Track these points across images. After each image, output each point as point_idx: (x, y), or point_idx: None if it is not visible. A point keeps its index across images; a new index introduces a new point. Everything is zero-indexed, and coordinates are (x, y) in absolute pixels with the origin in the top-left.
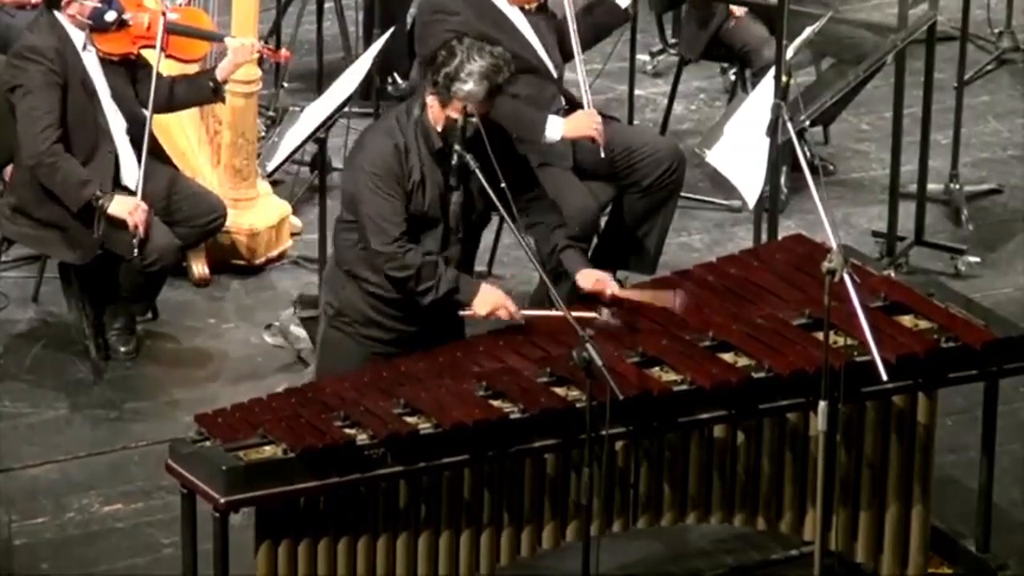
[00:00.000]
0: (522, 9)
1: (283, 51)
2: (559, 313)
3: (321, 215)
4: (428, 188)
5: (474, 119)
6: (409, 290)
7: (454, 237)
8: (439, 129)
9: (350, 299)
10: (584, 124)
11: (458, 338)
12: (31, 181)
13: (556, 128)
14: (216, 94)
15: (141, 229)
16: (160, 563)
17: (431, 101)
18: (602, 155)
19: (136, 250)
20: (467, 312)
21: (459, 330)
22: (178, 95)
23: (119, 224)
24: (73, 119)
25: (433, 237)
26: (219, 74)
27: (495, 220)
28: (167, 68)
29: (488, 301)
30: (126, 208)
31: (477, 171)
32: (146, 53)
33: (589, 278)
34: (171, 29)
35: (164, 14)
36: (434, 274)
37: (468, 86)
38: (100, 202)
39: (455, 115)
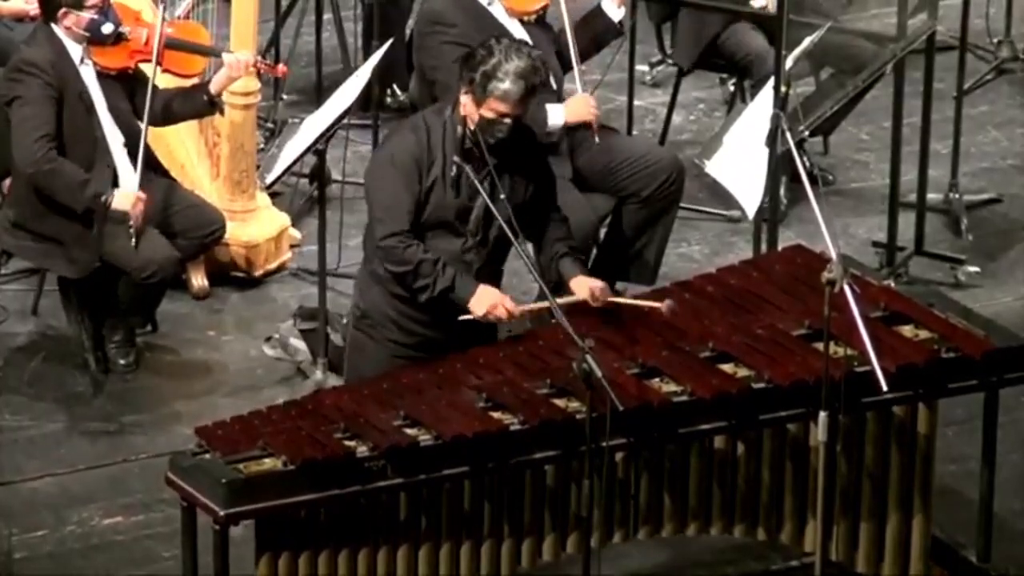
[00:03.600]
0: (521, 21)
1: (280, 66)
2: (553, 305)
3: (320, 227)
4: (453, 188)
5: (506, 122)
6: (407, 286)
7: (472, 240)
8: (471, 128)
9: (375, 301)
10: (582, 108)
11: (489, 342)
12: (30, 194)
13: (557, 115)
14: (212, 106)
15: (139, 222)
16: None
17: (465, 100)
18: (597, 140)
19: (133, 241)
20: (466, 316)
21: (491, 337)
22: (174, 108)
23: (119, 218)
24: (71, 133)
25: (457, 236)
26: (213, 87)
27: None
28: (165, 82)
29: (484, 301)
30: (128, 202)
31: (477, 182)
32: (144, 67)
33: (583, 286)
34: (169, 44)
35: (163, 28)
36: (432, 271)
37: (505, 84)
38: (104, 199)
39: (489, 114)
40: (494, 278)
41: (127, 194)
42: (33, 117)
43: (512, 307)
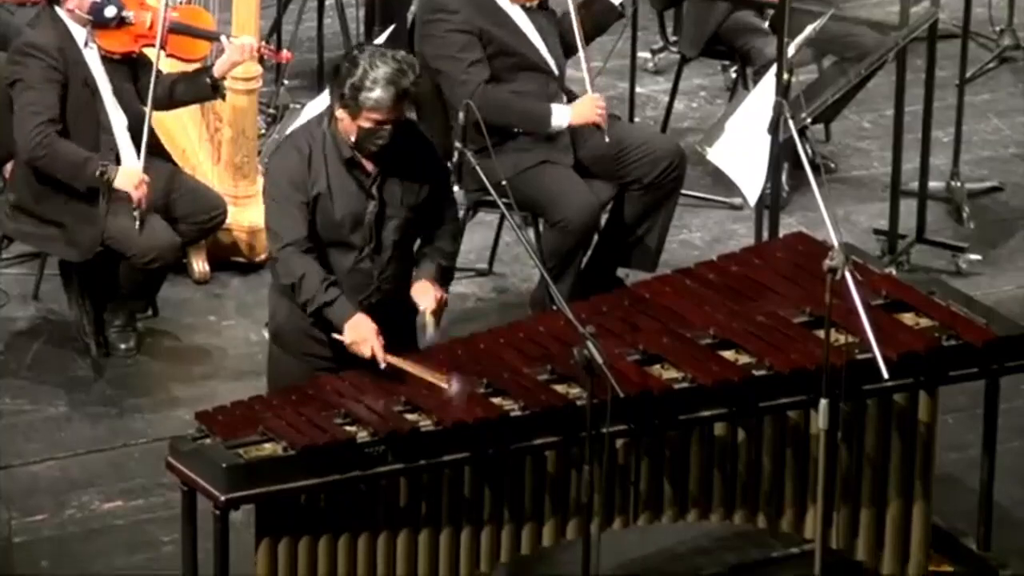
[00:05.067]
0: (523, 7)
1: (284, 52)
2: (417, 372)
3: None
4: (339, 198)
5: (386, 129)
6: (295, 299)
7: (367, 248)
8: (352, 140)
9: (287, 316)
10: (588, 110)
11: (408, 349)
12: (31, 178)
13: (562, 116)
14: (215, 91)
15: (144, 204)
16: (160, 561)
17: (340, 114)
18: (606, 140)
19: (138, 224)
20: (339, 336)
21: (410, 341)
22: (178, 93)
23: (122, 199)
24: (74, 116)
25: (351, 249)
26: (216, 71)
27: (494, 218)
28: (168, 67)
29: (355, 331)
30: (131, 181)
31: (477, 167)
32: (147, 51)
33: (417, 289)
34: (173, 28)
35: (166, 13)
36: (315, 288)
37: (375, 94)
38: (106, 176)
39: (367, 125)
40: (402, 282)
41: (129, 173)
42: (35, 102)
43: (378, 350)
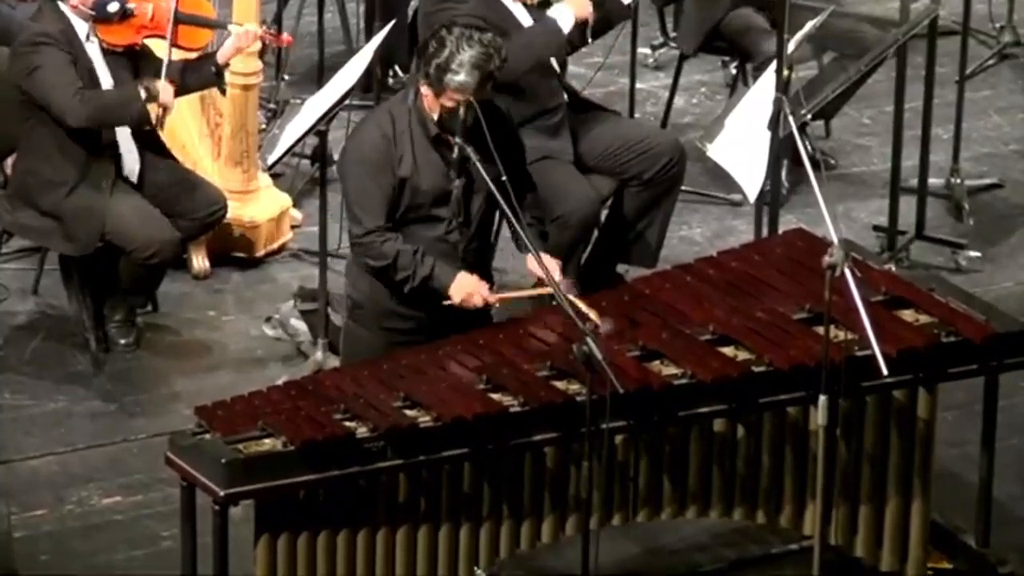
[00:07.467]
0: (525, 5)
1: (285, 35)
2: (526, 294)
3: (322, 208)
4: (425, 174)
5: (473, 109)
6: (388, 279)
7: (455, 222)
8: (435, 117)
9: (366, 290)
10: (584, 2)
11: (484, 324)
12: (31, 172)
13: (566, 17)
14: (219, 78)
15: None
16: (159, 556)
17: (425, 91)
18: (589, 39)
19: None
20: (448, 301)
21: (484, 315)
22: (183, 81)
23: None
24: None
25: (437, 222)
26: (220, 58)
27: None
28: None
29: (462, 289)
30: (170, 93)
31: (477, 163)
32: (150, 42)
33: (534, 263)
34: (176, 18)
35: (174, 6)
36: (411, 263)
37: (460, 77)
38: (152, 92)
39: (450, 104)
40: (484, 253)
41: (167, 86)
42: (59, 79)
43: (488, 296)
